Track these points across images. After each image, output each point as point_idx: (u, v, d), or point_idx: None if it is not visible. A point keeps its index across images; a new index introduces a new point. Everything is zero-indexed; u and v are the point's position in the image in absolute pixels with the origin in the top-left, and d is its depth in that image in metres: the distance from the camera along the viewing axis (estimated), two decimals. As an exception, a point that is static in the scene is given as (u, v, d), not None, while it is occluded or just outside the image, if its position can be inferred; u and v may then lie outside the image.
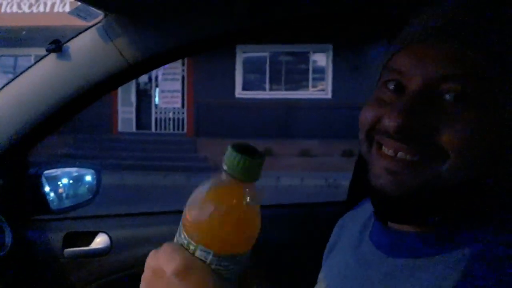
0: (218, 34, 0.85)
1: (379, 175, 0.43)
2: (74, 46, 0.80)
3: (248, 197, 0.35)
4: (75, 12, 0.75)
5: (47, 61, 0.81)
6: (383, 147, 0.44)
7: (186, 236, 0.35)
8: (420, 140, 0.40)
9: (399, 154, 0.42)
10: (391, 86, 0.44)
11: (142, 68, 0.85)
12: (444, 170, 0.40)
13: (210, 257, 0.34)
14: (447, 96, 0.40)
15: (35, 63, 0.82)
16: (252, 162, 0.34)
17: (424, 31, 0.42)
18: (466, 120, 0.39)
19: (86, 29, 0.79)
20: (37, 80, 0.82)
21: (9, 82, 0.83)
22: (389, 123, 0.40)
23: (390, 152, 0.43)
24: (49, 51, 0.78)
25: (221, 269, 0.35)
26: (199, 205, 0.35)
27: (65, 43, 0.79)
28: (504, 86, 0.39)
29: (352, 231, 0.58)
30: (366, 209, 0.57)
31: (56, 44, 0.77)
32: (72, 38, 0.80)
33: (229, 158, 0.34)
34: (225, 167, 0.35)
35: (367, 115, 0.45)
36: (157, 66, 0.90)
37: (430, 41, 0.41)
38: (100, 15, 0.77)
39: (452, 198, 0.42)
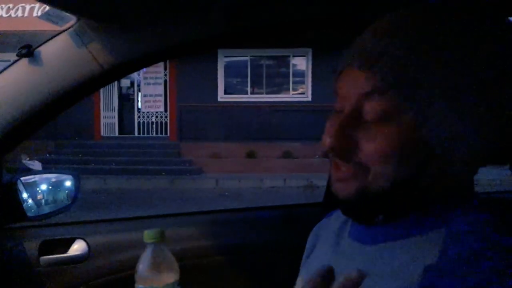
0: (195, 40, 0.85)
1: (333, 182, 0.50)
2: (47, 50, 0.78)
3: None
4: (45, 16, 0.74)
5: (18, 66, 0.79)
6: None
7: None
8: (348, 158, 0.47)
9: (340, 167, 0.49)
10: (336, 109, 0.50)
11: (116, 73, 0.84)
12: (370, 180, 0.46)
13: None
14: (368, 116, 0.45)
15: (6, 68, 0.80)
16: None
17: (350, 58, 0.47)
18: (382, 136, 0.44)
19: (58, 34, 0.78)
20: (9, 85, 0.80)
21: (-21, 88, 0.82)
22: (324, 143, 0.48)
23: (334, 164, 0.50)
24: (21, 55, 0.77)
25: None
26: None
27: (36, 47, 0.78)
28: (410, 105, 0.43)
29: (327, 236, 0.60)
30: (340, 216, 0.59)
31: (28, 49, 0.76)
32: (44, 42, 0.79)
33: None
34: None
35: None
36: (132, 71, 0.89)
37: (354, 67, 0.46)
38: (72, 19, 0.76)
39: (386, 199, 0.46)
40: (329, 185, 1.27)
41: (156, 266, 0.54)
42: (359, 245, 0.51)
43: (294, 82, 10.32)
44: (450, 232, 0.44)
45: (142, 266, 0.54)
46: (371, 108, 0.45)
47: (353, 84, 0.46)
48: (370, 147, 0.45)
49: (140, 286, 0.53)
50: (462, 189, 0.48)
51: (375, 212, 0.49)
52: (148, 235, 0.55)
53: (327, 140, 0.47)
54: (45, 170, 1.24)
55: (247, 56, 10.26)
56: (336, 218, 0.62)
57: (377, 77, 0.44)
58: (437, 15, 0.45)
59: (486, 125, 0.43)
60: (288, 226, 1.21)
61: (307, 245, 0.67)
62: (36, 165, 6.41)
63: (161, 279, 0.53)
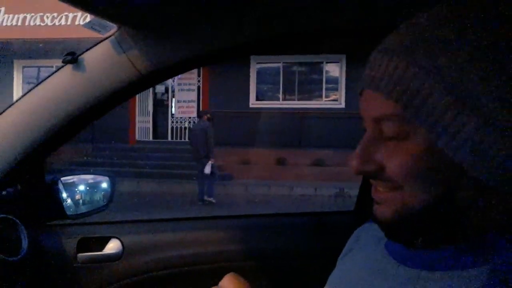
0: (229, 46, 0.87)
1: (373, 205, 0.49)
2: (89, 57, 0.83)
3: None
4: (89, 25, 0.79)
5: (63, 72, 0.84)
6: None
7: None
8: (376, 177, 0.47)
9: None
10: (363, 128, 0.49)
11: (153, 79, 0.87)
12: (404, 200, 0.45)
13: None
14: (387, 134, 0.45)
15: (52, 74, 0.85)
16: None
17: (366, 79, 0.47)
18: (404, 152, 0.43)
19: (100, 41, 0.82)
20: (54, 90, 0.85)
21: (27, 92, 0.87)
22: (351, 167, 0.47)
23: (373, 186, 0.49)
24: (65, 62, 0.81)
25: None
26: None
27: (80, 54, 0.82)
28: (425, 125, 0.42)
29: (367, 241, 0.59)
30: None
31: (72, 56, 0.80)
32: (87, 49, 0.83)
33: None
34: None
35: None
36: (169, 77, 0.92)
37: (370, 88, 0.46)
38: (114, 27, 0.80)
39: (423, 221, 0.45)
40: (361, 194, 1.25)
41: None
42: (392, 263, 0.49)
43: (327, 89, 10.23)
44: (493, 270, 0.41)
45: None
46: (388, 128, 0.44)
47: (371, 105, 0.46)
48: (394, 163, 0.44)
49: None
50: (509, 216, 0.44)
51: (414, 235, 0.47)
52: None
53: (353, 163, 0.47)
54: (83, 171, 1.29)
55: (279, 63, 10.28)
56: None
57: (390, 99, 0.43)
58: (444, 34, 0.42)
59: None
60: (318, 233, 1.20)
61: (346, 246, 0.66)
62: (207, 168, 6.84)
63: None
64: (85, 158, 9.33)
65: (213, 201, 6.98)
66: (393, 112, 0.43)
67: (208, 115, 7.49)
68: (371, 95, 0.45)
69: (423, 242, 0.47)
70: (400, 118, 0.43)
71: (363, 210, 1.22)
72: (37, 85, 0.86)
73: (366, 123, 0.48)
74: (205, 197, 7.03)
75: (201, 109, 10.35)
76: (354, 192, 1.34)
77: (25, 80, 10.93)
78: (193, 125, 7.42)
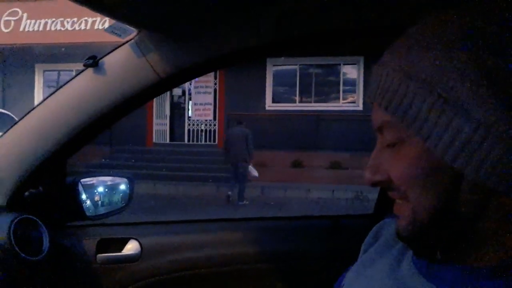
0: (246, 48, 0.87)
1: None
2: (109, 61, 0.84)
3: None
4: (110, 29, 0.80)
5: (84, 75, 0.85)
6: None
7: None
8: (388, 187, 0.47)
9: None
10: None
11: (173, 82, 0.88)
12: (414, 210, 0.45)
13: None
14: (389, 141, 0.46)
15: (74, 77, 0.87)
16: None
17: (367, 91, 0.49)
18: (404, 158, 0.44)
19: (120, 45, 0.83)
20: (75, 93, 0.86)
21: (50, 95, 0.89)
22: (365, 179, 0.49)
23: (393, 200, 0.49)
24: (86, 66, 0.83)
25: None
26: None
27: (101, 58, 0.83)
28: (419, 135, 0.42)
29: (387, 243, 0.58)
30: None
31: (93, 60, 0.82)
32: (108, 53, 0.84)
33: None
34: None
35: None
36: (187, 80, 0.93)
37: (370, 100, 0.48)
38: (133, 31, 0.81)
39: (435, 233, 0.45)
40: (380, 197, 1.24)
41: None
42: (419, 279, 0.48)
43: (344, 91, 10.16)
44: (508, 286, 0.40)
45: None
46: (388, 136, 0.46)
47: (374, 115, 0.48)
48: (396, 169, 0.45)
49: None
50: None
51: (431, 247, 0.47)
52: None
53: (365, 174, 0.48)
54: (103, 173, 1.32)
55: (296, 65, 10.26)
56: None
57: (388, 111, 0.44)
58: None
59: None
60: (336, 236, 1.19)
61: (366, 241, 0.65)
62: (253, 171, 7.20)
63: None
64: (103, 160, 9.49)
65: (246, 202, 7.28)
66: (389, 120, 0.44)
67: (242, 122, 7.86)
68: (374, 105, 0.47)
69: (443, 257, 0.46)
70: (395, 125, 0.44)
71: (382, 213, 1.20)
72: (59, 88, 0.88)
73: (376, 134, 0.49)
74: (229, 193, 7.32)
75: (217, 111, 10.42)
76: (372, 195, 1.32)
77: (46, 84, 11.20)
78: (229, 132, 7.69)
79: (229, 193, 7.29)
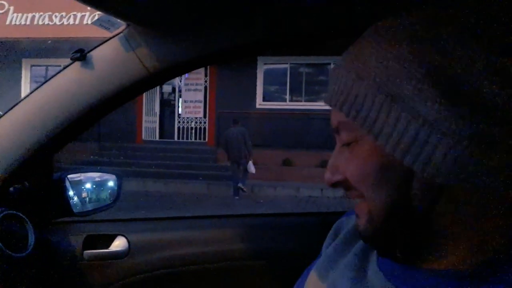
0: (237, 46, 0.87)
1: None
2: (97, 55, 0.83)
3: None
4: (98, 22, 0.79)
5: (71, 69, 0.84)
6: None
7: None
8: (346, 187, 0.48)
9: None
10: None
11: (162, 77, 0.87)
12: (369, 208, 0.46)
13: None
14: (344, 141, 0.47)
15: (60, 71, 0.86)
16: None
17: (326, 95, 0.50)
18: (356, 156, 0.45)
19: (109, 39, 0.82)
20: (62, 87, 0.85)
21: (36, 89, 0.87)
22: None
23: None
24: (74, 59, 0.81)
25: None
26: None
27: (88, 52, 0.82)
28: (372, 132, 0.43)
29: (346, 241, 0.58)
30: None
31: (80, 53, 0.80)
32: (96, 47, 0.83)
33: None
34: None
35: None
36: (177, 75, 0.92)
37: (326, 102, 0.50)
38: (122, 25, 0.80)
39: (392, 230, 0.45)
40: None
41: None
42: (385, 282, 0.47)
43: (333, 91, 10.21)
44: None
45: None
46: (343, 136, 0.47)
47: (332, 117, 0.49)
48: (350, 169, 0.46)
49: None
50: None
51: (389, 247, 0.47)
52: None
53: (325, 175, 0.49)
54: (90, 169, 1.31)
55: (286, 64, 10.27)
56: None
57: (343, 111, 0.45)
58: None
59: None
60: (325, 233, 1.19)
61: (326, 242, 0.65)
62: (251, 167, 7.72)
63: None
64: (91, 157, 9.39)
65: (245, 189, 7.84)
66: (344, 120, 0.45)
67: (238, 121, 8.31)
68: (332, 107, 0.48)
69: (406, 256, 0.46)
70: (349, 124, 0.45)
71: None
72: (45, 82, 0.87)
73: (334, 135, 0.50)
74: (240, 185, 7.83)
75: (207, 109, 10.40)
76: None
77: (33, 79, 11.03)
78: (227, 133, 8.14)
79: (240, 185, 7.77)
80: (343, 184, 0.48)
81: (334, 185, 0.49)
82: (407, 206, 0.43)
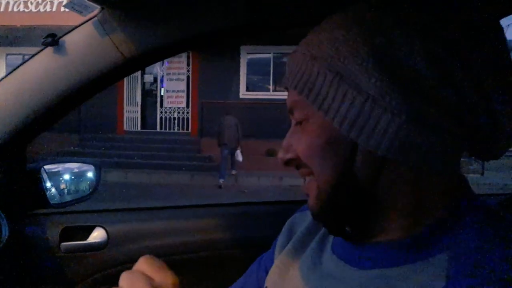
0: (215, 31, 0.85)
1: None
2: (71, 40, 0.80)
3: None
4: (70, 5, 0.75)
5: (43, 55, 0.81)
6: None
7: None
8: (297, 166, 0.50)
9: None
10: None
11: (138, 63, 0.84)
12: (318, 185, 0.48)
13: None
14: (296, 120, 0.50)
15: (32, 56, 0.82)
16: None
17: (283, 79, 0.53)
18: (305, 133, 0.48)
19: (82, 23, 0.79)
20: (34, 73, 0.82)
21: (6, 75, 0.84)
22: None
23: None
24: (46, 44, 0.78)
25: None
26: None
27: (61, 37, 0.79)
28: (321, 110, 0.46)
29: (303, 236, 0.59)
30: None
31: (52, 38, 0.77)
32: (69, 32, 0.80)
33: None
34: None
35: None
36: (154, 61, 0.89)
37: (282, 85, 0.53)
38: (96, 8, 0.77)
39: (339, 204, 0.47)
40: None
41: None
42: (347, 268, 0.48)
43: (316, 80, 10.25)
44: (454, 255, 0.41)
45: None
46: (296, 115, 0.49)
47: (288, 99, 0.51)
48: (300, 145, 0.48)
49: None
50: (437, 194, 0.45)
51: (339, 223, 0.49)
52: None
53: (279, 155, 0.51)
54: (68, 159, 1.28)
55: (269, 53, 10.23)
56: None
57: (297, 91, 0.48)
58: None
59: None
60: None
61: (280, 238, 0.66)
62: (239, 155, 8.05)
63: None
64: (72, 148, 9.22)
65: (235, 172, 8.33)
66: (297, 99, 0.48)
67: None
68: (288, 90, 0.51)
69: (355, 231, 0.49)
70: (302, 103, 0.47)
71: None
72: (15, 69, 0.83)
73: (289, 116, 0.52)
74: (233, 172, 8.29)
75: (190, 99, 10.31)
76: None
77: (9, 68, 10.68)
78: (220, 122, 8.34)
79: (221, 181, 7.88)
80: (296, 162, 0.50)
81: (287, 163, 0.51)
82: (351, 179, 0.45)
